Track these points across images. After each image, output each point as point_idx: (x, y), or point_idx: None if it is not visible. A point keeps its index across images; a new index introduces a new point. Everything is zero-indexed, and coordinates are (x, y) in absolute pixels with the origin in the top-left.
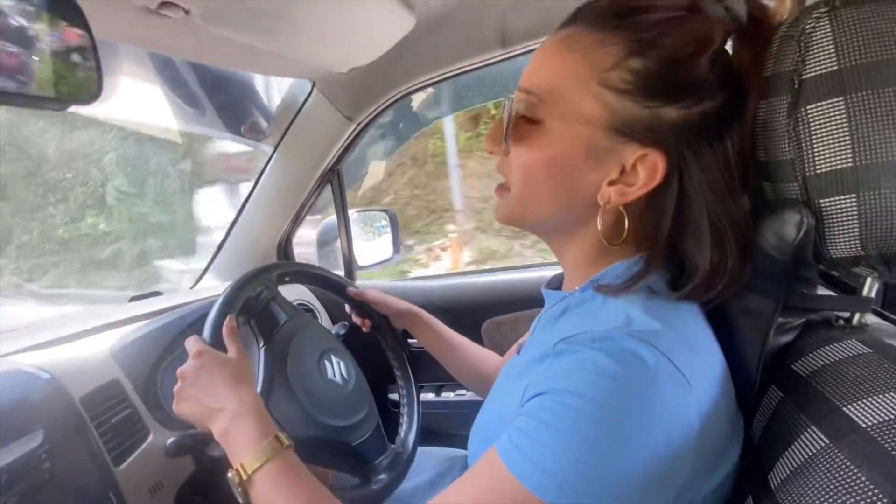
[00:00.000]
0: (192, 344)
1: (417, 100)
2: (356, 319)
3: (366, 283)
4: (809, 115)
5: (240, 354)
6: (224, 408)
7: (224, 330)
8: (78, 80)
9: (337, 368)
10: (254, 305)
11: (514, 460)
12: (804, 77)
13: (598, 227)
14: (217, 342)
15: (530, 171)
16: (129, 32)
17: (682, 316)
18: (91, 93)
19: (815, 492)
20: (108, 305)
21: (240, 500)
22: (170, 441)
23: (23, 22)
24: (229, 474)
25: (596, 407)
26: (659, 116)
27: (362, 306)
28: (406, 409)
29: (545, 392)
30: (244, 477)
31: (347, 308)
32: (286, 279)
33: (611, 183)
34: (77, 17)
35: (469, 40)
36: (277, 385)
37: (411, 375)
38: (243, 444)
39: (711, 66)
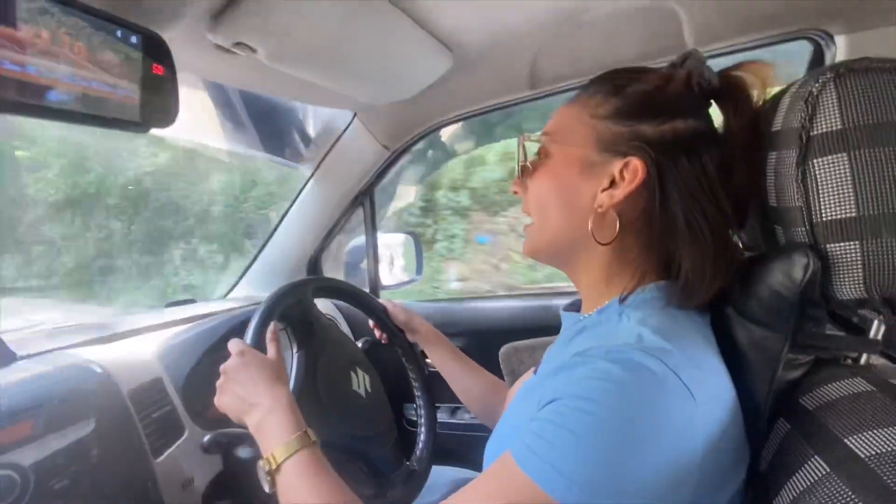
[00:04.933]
0: (234, 344)
1: (447, 132)
2: (377, 333)
3: (413, 304)
4: (817, 168)
5: (277, 356)
6: (260, 402)
7: (268, 333)
8: (160, 106)
9: (362, 381)
10: (292, 314)
11: (526, 459)
12: (812, 134)
13: (589, 226)
14: (257, 345)
15: (541, 197)
16: (205, 68)
17: (693, 341)
18: (169, 118)
19: None
20: (145, 311)
21: (266, 488)
22: (206, 437)
23: (116, 57)
24: (259, 462)
25: (605, 411)
26: (637, 131)
27: (385, 322)
28: (423, 427)
29: (558, 398)
30: (273, 466)
31: (371, 323)
32: (322, 293)
33: (603, 190)
34: (164, 55)
35: (501, 80)
36: (306, 389)
37: (430, 394)
38: (275, 436)
39: (677, 97)
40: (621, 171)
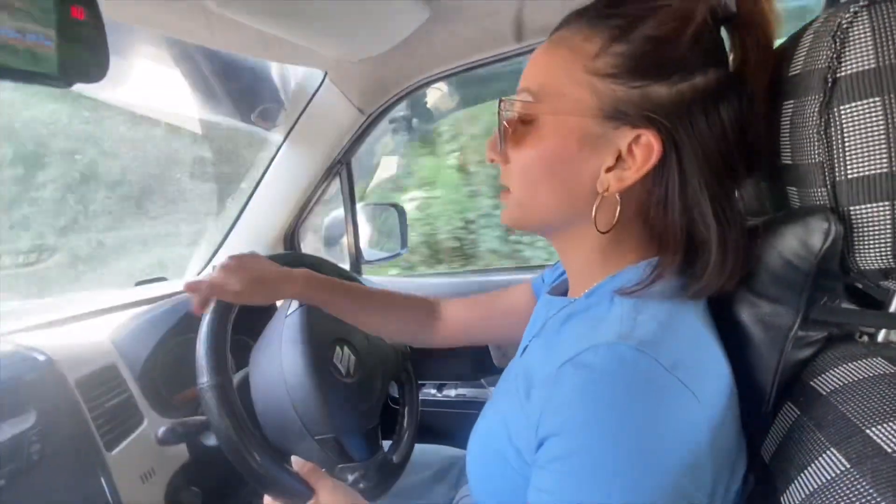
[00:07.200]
0: None
1: (431, 95)
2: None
3: (371, 279)
4: (843, 116)
5: (335, 490)
6: None
7: (304, 473)
8: (83, 57)
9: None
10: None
11: None
12: (839, 75)
13: (592, 212)
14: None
15: (527, 170)
16: (139, 13)
17: (692, 326)
18: (96, 71)
19: None
20: (112, 290)
21: None
22: (161, 429)
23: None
24: None
25: (605, 440)
26: (648, 95)
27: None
28: (406, 412)
29: (552, 435)
30: None
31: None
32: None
33: (608, 170)
34: None
35: (484, 32)
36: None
37: (412, 375)
38: None
39: (695, 43)
40: (630, 147)
